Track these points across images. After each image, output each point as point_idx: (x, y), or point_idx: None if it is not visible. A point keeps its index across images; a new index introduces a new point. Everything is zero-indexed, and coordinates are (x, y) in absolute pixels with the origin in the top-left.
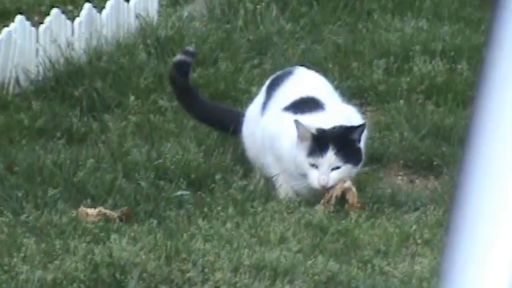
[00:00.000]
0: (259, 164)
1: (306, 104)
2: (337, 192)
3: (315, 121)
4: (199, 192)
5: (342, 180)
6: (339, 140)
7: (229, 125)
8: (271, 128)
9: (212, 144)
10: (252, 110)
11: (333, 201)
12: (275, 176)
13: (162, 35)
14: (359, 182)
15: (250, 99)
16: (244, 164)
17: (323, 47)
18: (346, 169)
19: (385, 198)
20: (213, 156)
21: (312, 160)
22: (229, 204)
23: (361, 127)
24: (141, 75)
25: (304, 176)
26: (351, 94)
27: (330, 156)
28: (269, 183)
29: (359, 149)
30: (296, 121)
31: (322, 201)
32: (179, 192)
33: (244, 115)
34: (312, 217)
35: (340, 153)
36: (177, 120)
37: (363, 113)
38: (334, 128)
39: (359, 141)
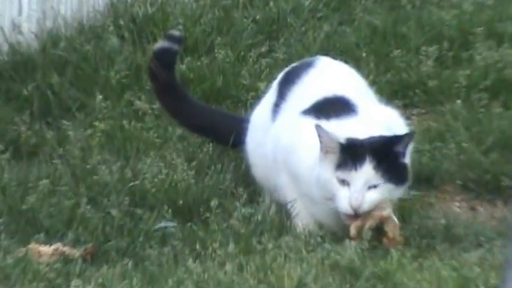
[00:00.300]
0: (270, 186)
1: (332, 106)
2: (373, 221)
3: (344, 129)
4: (189, 224)
5: (379, 206)
6: (378, 153)
7: (228, 134)
8: (285, 138)
9: (206, 160)
10: (260, 114)
11: (367, 233)
12: (291, 201)
13: (139, 13)
14: (402, 209)
15: (257, 99)
16: (248, 185)
17: (354, 29)
18: (387, 190)
19: (438, 231)
20: (207, 176)
21: (342, 174)
22: (229, 239)
23: (406, 137)
24: (112, 67)
25: (331, 199)
26: (392, 92)
27: (367, 170)
28: (283, 211)
29: (404, 165)
30: (318, 126)
31: (351, 230)
32: (162, 224)
33: (249, 121)
34: (340, 256)
35: (379, 167)
36: (159, 127)
37: (408, 118)
38: (371, 138)
39: (404, 155)
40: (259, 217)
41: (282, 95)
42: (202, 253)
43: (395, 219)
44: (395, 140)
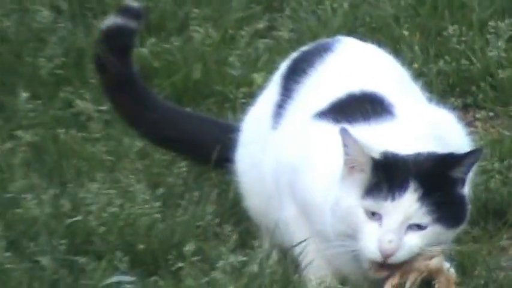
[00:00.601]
0: (270, 223)
1: (358, 107)
2: (417, 275)
3: (374, 138)
4: (153, 278)
5: (426, 254)
6: (428, 179)
7: (209, 148)
8: (291, 152)
9: (177, 186)
10: (256, 120)
11: None
12: (300, 244)
13: None
14: (461, 256)
15: (252, 98)
16: (239, 222)
17: None
18: (434, 234)
19: None
20: (179, 209)
21: (372, 204)
22: None
23: (471, 157)
24: (42, 52)
25: (351, 236)
26: (446, 87)
27: (409, 201)
28: (288, 258)
29: (463, 198)
30: (344, 130)
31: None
32: (115, 279)
33: (240, 129)
34: None
35: (427, 199)
36: (110, 139)
37: (470, 124)
38: (418, 155)
39: (463, 183)
40: (255, 268)
41: (287, 91)
42: None
43: (452, 272)
44: (455, 160)
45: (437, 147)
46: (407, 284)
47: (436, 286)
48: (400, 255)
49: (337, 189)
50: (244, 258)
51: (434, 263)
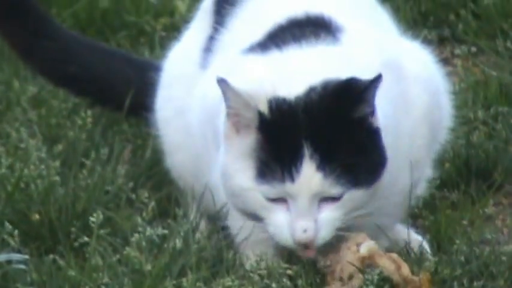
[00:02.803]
0: (197, 184)
1: (298, 31)
2: (359, 279)
3: (299, 65)
4: (51, 256)
5: (349, 243)
6: (325, 132)
7: (121, 91)
8: (216, 94)
9: (81, 140)
10: (181, 57)
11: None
12: (233, 211)
13: None
14: (436, 227)
15: (174, 30)
16: (158, 186)
17: None
18: (355, 197)
19: (500, 265)
20: (83, 170)
21: (268, 189)
22: (123, 283)
23: (373, 86)
24: None
25: (258, 219)
26: (417, 15)
27: (309, 174)
28: (220, 231)
29: (373, 137)
30: (220, 80)
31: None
32: (3, 256)
33: (162, 69)
34: None
35: (331, 163)
36: None
37: (446, 62)
38: (311, 90)
39: (372, 113)
40: (178, 243)
41: (220, 21)
42: None
43: (425, 247)
44: (354, 98)
45: (392, 82)
46: (346, 270)
47: (376, 273)
48: (322, 238)
49: (221, 152)
50: (165, 231)
51: (364, 249)
